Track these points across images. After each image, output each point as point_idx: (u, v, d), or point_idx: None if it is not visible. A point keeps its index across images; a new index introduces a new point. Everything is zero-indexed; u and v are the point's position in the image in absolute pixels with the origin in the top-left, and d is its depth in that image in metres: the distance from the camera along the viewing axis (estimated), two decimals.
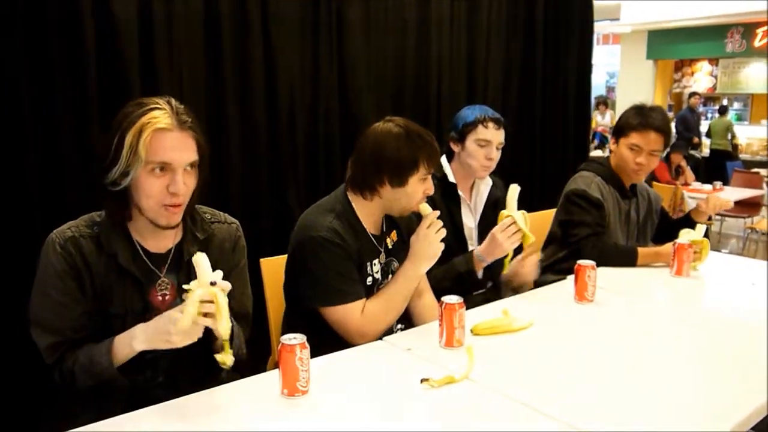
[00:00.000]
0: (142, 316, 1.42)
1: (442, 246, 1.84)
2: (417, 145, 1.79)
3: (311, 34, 2.79)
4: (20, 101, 2.05)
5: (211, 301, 1.29)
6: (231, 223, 1.66)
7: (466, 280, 2.15)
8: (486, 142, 2.25)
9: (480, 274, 2.19)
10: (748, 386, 1.47)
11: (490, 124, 2.25)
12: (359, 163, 1.85)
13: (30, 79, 2.07)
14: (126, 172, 1.37)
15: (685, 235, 2.36)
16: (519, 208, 2.09)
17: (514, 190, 2.09)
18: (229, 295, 1.37)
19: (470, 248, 2.32)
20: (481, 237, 2.36)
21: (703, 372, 1.57)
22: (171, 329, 1.28)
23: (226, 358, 1.38)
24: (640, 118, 2.47)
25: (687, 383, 1.50)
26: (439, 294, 1.81)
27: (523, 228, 2.05)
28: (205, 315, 1.28)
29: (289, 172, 2.77)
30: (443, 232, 1.85)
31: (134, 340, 1.35)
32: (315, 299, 1.80)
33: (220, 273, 1.33)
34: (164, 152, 1.38)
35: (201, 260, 1.33)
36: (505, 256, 2.11)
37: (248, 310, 1.67)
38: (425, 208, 1.86)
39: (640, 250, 2.46)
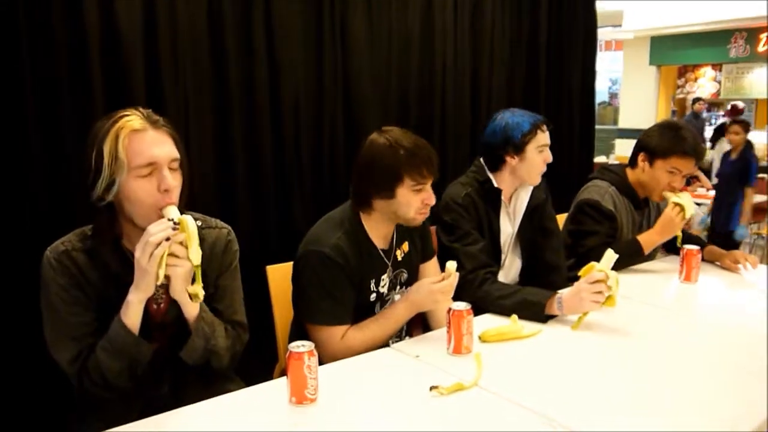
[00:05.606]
0: (140, 327, 1.40)
1: (441, 303, 1.76)
2: (399, 156, 1.73)
3: (315, 47, 2.80)
4: (26, 119, 2.05)
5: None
6: (222, 228, 1.65)
7: (531, 313, 1.91)
8: (545, 146, 2.20)
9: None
10: (756, 396, 1.45)
11: (544, 127, 2.21)
12: (352, 179, 1.85)
13: (35, 97, 2.06)
14: (111, 182, 1.35)
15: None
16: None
17: (611, 255, 1.89)
18: (222, 294, 1.38)
19: (503, 257, 2.29)
20: (521, 245, 2.34)
21: (713, 381, 1.55)
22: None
23: (197, 290, 1.38)
24: (683, 144, 2.38)
25: (696, 391, 1.49)
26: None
27: (614, 292, 1.85)
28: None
29: (295, 184, 2.78)
30: (448, 297, 1.75)
31: (130, 294, 1.36)
32: (300, 312, 1.81)
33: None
34: (146, 151, 1.37)
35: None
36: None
37: (243, 318, 1.64)
38: (450, 267, 1.73)
39: (641, 238, 2.42)
